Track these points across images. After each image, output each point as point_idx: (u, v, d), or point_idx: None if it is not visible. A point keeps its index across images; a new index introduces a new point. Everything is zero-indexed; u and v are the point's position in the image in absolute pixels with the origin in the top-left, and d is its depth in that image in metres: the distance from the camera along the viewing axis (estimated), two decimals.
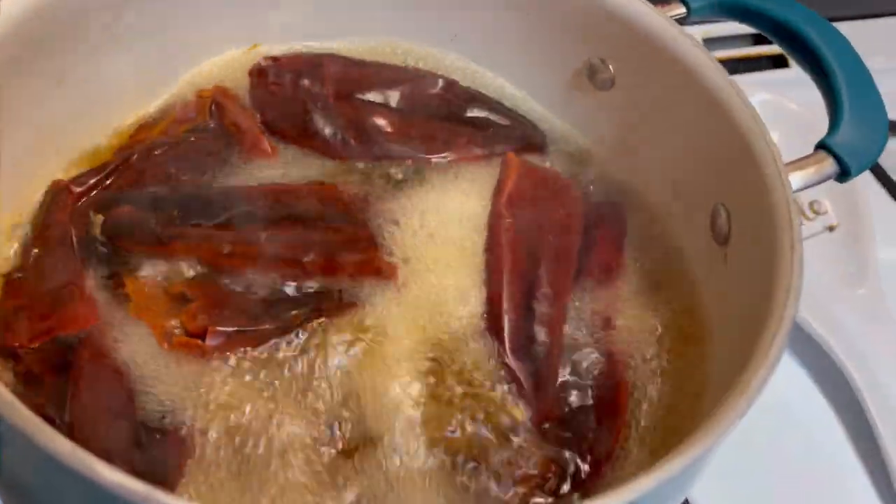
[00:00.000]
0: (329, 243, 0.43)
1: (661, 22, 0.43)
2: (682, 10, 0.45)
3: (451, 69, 0.53)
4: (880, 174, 0.71)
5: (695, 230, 0.44)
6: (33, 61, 0.39)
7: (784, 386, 0.58)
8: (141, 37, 0.45)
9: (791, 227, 0.35)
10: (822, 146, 0.41)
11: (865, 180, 0.70)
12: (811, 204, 0.65)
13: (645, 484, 0.27)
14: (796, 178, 0.40)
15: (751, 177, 0.38)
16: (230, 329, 0.39)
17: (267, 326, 0.40)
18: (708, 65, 0.42)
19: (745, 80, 0.72)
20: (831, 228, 0.64)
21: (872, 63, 0.45)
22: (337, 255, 0.43)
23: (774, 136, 0.65)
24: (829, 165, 0.40)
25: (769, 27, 0.44)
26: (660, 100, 0.45)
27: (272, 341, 0.39)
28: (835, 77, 0.41)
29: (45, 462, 0.25)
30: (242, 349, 0.39)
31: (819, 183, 0.40)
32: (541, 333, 0.42)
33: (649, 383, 0.42)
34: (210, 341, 0.38)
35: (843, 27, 0.44)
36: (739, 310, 0.38)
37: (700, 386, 0.40)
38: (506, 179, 0.48)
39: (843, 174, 0.40)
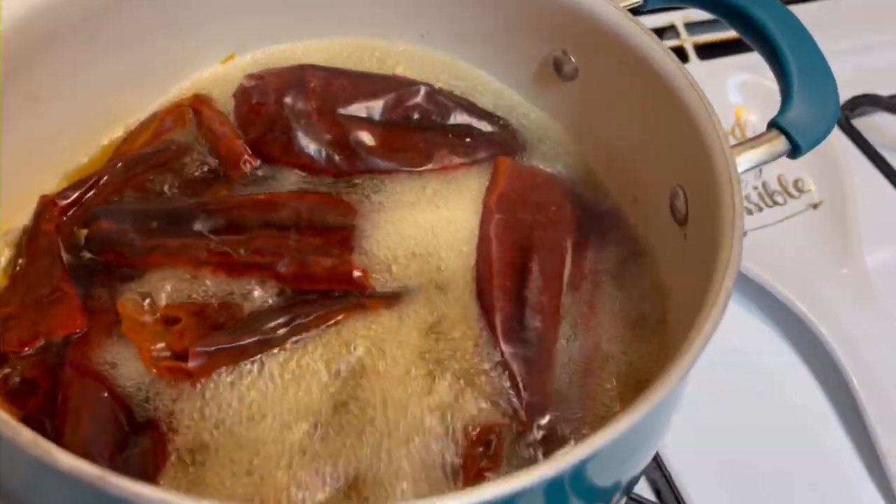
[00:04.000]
0: (303, 249, 0.44)
1: (613, 12, 0.45)
2: None
3: (427, 62, 0.55)
4: (868, 150, 0.71)
5: (657, 212, 0.45)
6: (7, 80, 0.41)
7: (770, 362, 0.59)
8: (117, 53, 0.47)
9: (733, 205, 0.36)
10: (773, 125, 0.41)
11: (853, 157, 0.70)
12: (795, 182, 0.66)
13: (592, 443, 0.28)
14: (749, 157, 0.41)
15: (700, 157, 0.39)
16: (212, 348, 0.40)
17: (249, 341, 0.41)
18: (658, 51, 0.43)
19: (725, 63, 0.73)
20: (815, 206, 0.64)
21: (834, 43, 0.45)
22: (310, 261, 0.44)
23: (753, 116, 0.67)
24: (781, 143, 0.41)
25: (720, 10, 0.45)
26: (618, 88, 0.46)
27: (256, 356, 0.40)
28: (784, 56, 0.42)
29: (10, 452, 0.27)
30: (228, 367, 0.40)
31: (771, 160, 0.41)
32: (534, 320, 0.43)
33: (620, 359, 0.43)
34: (192, 362, 0.39)
35: (802, 9, 0.45)
36: (693, 285, 0.39)
37: (664, 356, 0.42)
38: (496, 179, 0.49)
39: (794, 151, 0.41)
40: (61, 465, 0.25)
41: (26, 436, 0.26)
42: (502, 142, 0.52)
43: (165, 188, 0.48)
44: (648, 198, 0.46)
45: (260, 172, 0.49)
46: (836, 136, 0.70)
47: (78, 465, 0.25)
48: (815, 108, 0.41)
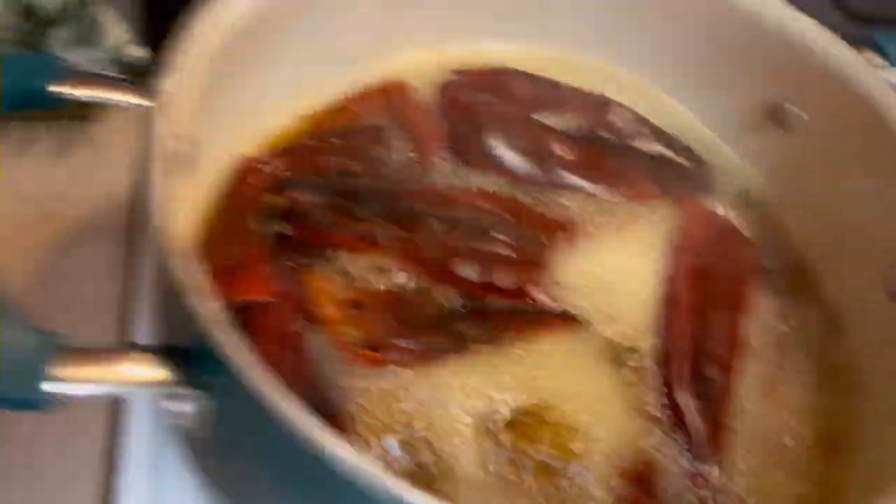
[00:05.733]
0: (489, 256, 0.44)
1: (849, 60, 0.42)
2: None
3: (624, 86, 0.53)
4: None
5: (867, 285, 0.43)
6: (242, 52, 0.41)
7: None
8: (329, 29, 0.47)
9: None
10: None
11: None
12: None
13: None
14: None
15: None
16: (408, 344, 0.40)
17: (441, 341, 0.41)
18: None
19: None
20: None
21: None
22: (496, 272, 0.43)
23: None
24: None
25: None
26: (846, 148, 0.44)
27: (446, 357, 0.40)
28: None
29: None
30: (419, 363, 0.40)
31: None
32: (712, 371, 0.42)
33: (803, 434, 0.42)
34: (387, 354, 0.39)
35: None
36: None
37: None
38: (685, 223, 0.48)
39: None
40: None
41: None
42: (697, 180, 0.51)
43: (358, 169, 0.47)
44: (857, 269, 0.44)
45: (449, 166, 0.48)
46: None
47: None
48: None
